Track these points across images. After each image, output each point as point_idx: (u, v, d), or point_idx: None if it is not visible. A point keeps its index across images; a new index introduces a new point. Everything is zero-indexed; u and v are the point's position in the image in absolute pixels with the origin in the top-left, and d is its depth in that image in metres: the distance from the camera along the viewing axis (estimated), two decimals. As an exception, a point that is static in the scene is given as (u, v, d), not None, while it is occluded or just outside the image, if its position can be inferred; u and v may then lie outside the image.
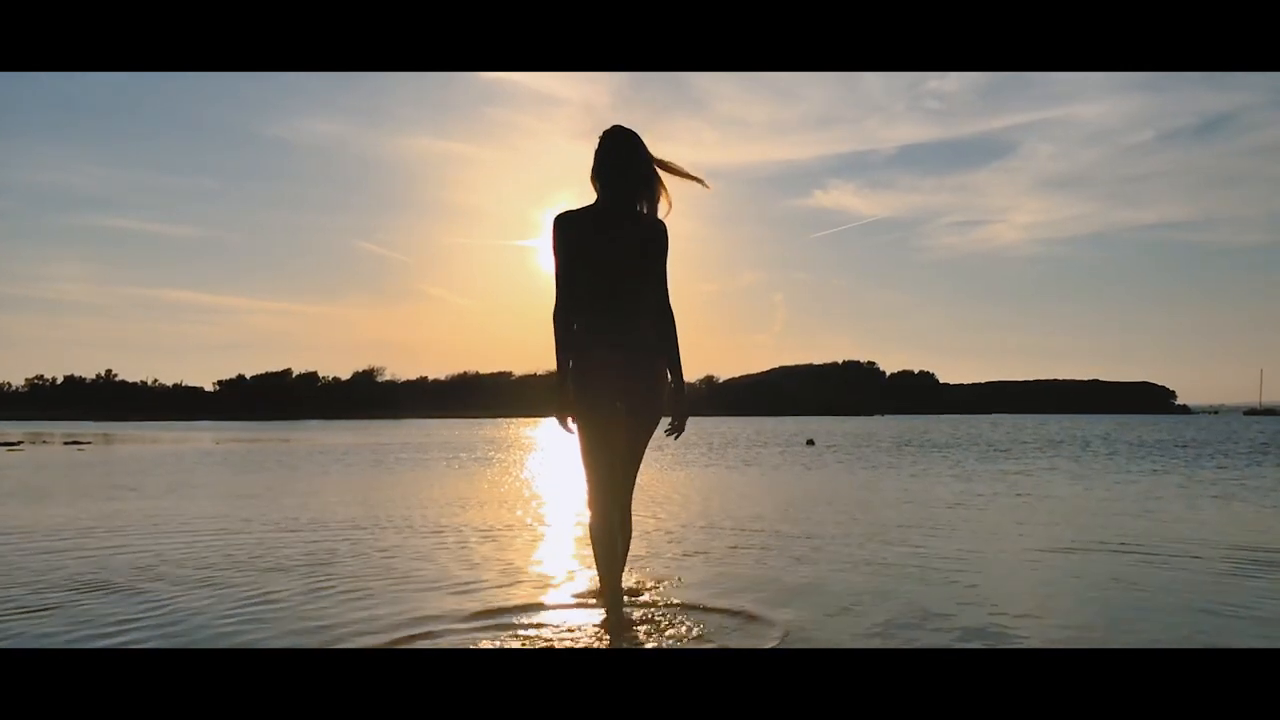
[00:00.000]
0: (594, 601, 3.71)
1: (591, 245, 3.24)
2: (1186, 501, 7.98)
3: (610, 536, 3.34)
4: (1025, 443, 21.95)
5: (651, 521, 6.40)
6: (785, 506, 7.61)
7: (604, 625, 3.34)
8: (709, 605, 3.62)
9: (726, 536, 5.67)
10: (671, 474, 12.00)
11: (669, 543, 5.38)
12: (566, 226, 3.26)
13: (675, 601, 3.69)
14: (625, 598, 3.58)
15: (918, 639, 3.12)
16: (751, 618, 3.43)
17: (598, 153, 3.28)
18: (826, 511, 7.17)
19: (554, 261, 3.29)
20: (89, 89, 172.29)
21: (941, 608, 3.60)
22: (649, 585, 4.03)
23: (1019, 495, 8.57)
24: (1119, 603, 3.75)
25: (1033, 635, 3.18)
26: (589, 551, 3.62)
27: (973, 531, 5.94)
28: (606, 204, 3.27)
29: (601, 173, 3.27)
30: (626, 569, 3.69)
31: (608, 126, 3.32)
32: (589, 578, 4.17)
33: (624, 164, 3.25)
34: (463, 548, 5.24)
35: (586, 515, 3.39)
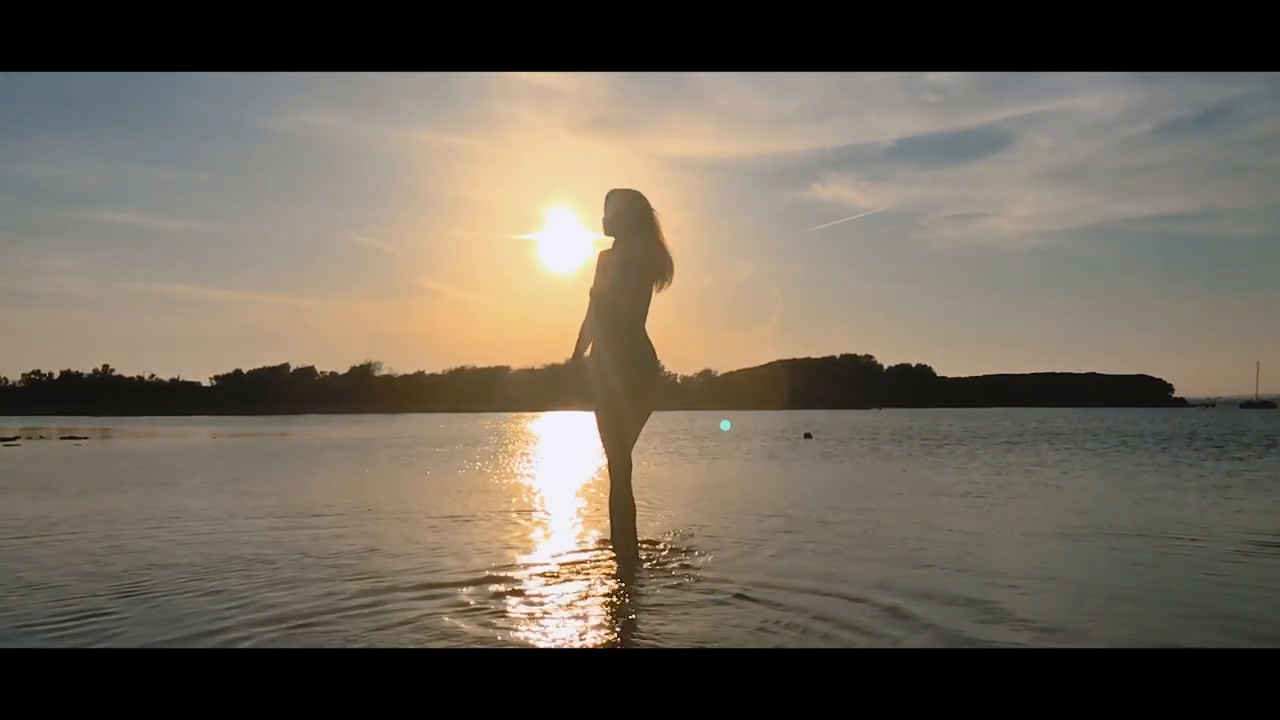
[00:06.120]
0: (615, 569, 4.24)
1: (602, 276, 4.43)
2: (1217, 491, 8.01)
3: (623, 503, 4.47)
4: (1033, 435, 21.99)
5: (698, 515, 6.39)
6: (819, 497, 7.59)
7: (618, 573, 4.16)
8: (815, 591, 3.62)
9: (775, 522, 5.67)
10: (687, 466, 11.98)
11: (730, 533, 5.38)
12: (598, 263, 4.51)
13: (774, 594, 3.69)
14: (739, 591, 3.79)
15: (983, 631, 3.13)
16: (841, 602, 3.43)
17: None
18: (868, 502, 7.16)
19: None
20: (83, 82, 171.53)
21: (1007, 597, 3.62)
22: (722, 572, 4.02)
23: (1058, 487, 8.58)
24: (1194, 592, 3.77)
25: (1110, 624, 3.21)
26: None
27: (1018, 519, 5.96)
28: (612, 245, 4.51)
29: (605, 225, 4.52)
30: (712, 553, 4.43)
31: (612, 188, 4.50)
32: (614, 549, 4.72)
33: (613, 215, 4.46)
34: (507, 532, 5.25)
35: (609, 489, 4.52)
